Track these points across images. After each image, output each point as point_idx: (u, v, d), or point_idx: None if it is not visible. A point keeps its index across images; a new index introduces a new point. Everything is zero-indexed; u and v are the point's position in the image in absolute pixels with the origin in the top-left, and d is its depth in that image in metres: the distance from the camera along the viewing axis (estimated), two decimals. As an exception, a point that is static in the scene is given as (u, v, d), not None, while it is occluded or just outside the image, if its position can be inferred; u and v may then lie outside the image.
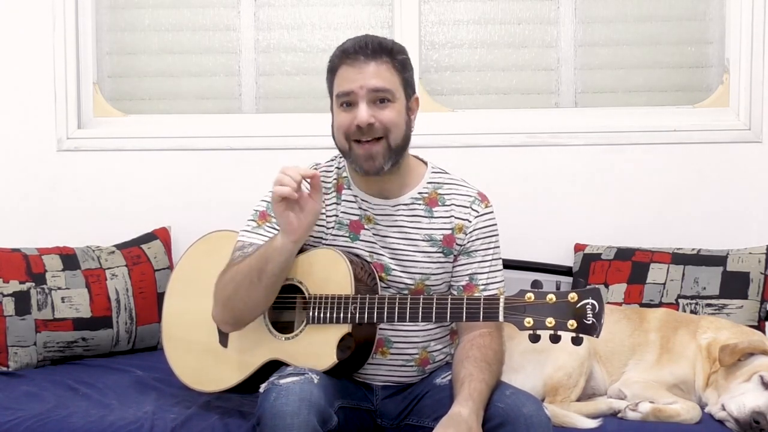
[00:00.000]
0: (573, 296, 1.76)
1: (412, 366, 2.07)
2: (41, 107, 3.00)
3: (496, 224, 2.09)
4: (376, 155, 1.97)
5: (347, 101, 1.97)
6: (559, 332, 1.77)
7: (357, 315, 1.92)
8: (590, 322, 1.75)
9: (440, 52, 3.08)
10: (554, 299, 1.77)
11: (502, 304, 1.82)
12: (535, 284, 1.81)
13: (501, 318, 1.83)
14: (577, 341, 1.77)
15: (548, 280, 2.82)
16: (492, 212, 2.09)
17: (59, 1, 2.97)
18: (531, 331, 1.79)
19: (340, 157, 2.11)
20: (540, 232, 2.93)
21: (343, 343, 1.94)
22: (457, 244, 2.06)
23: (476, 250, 2.05)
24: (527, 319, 1.78)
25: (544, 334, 1.79)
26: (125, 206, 3.00)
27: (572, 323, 1.76)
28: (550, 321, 1.77)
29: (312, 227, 1.95)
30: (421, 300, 1.90)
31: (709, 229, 2.90)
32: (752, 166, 2.93)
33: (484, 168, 2.85)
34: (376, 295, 1.95)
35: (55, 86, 2.99)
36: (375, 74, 1.95)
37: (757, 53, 2.92)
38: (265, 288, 1.93)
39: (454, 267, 2.07)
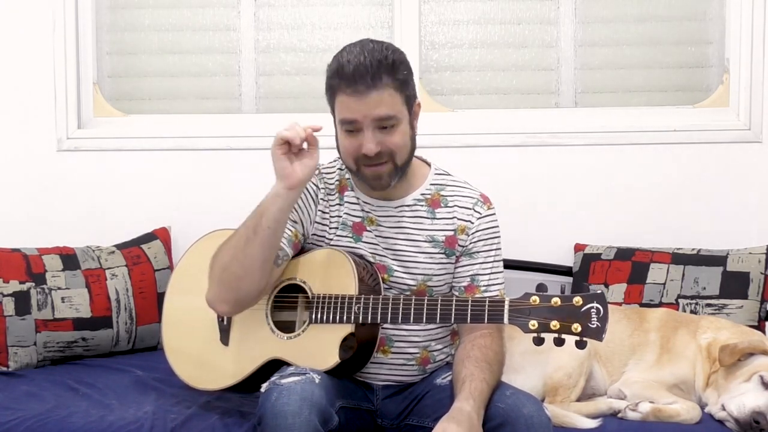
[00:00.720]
0: (578, 300, 1.76)
1: (413, 365, 2.07)
2: (41, 107, 2.99)
3: (498, 226, 2.10)
4: (383, 175, 1.97)
5: (351, 128, 1.95)
6: (564, 336, 1.77)
7: (360, 315, 1.92)
8: (595, 326, 1.75)
9: (440, 52, 3.08)
10: (559, 303, 1.78)
11: (507, 307, 1.82)
12: (540, 287, 1.82)
13: (506, 320, 1.83)
14: (581, 345, 1.77)
15: (548, 280, 2.82)
16: (494, 214, 2.10)
17: (59, 1, 2.97)
18: (535, 334, 1.79)
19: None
20: (540, 232, 2.93)
21: (345, 343, 1.94)
22: (459, 245, 2.06)
23: (478, 252, 2.06)
24: (532, 322, 1.78)
25: (548, 337, 1.79)
26: (125, 206, 3.00)
27: (576, 327, 1.76)
28: (554, 324, 1.77)
29: (307, 180, 1.94)
30: (426, 301, 1.90)
31: (709, 229, 2.90)
32: (752, 166, 2.93)
33: (484, 168, 2.85)
34: (380, 296, 1.95)
35: (55, 86, 2.99)
36: (378, 103, 1.90)
37: (757, 53, 2.92)
38: (260, 244, 1.90)
39: (455, 268, 2.07)
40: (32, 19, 2.98)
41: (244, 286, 1.95)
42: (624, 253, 2.78)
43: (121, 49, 3.13)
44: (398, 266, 2.05)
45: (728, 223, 2.91)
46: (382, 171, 1.96)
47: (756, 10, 2.91)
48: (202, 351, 2.13)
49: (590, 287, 1.80)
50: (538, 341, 1.79)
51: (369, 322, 1.93)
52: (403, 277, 2.05)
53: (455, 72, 3.08)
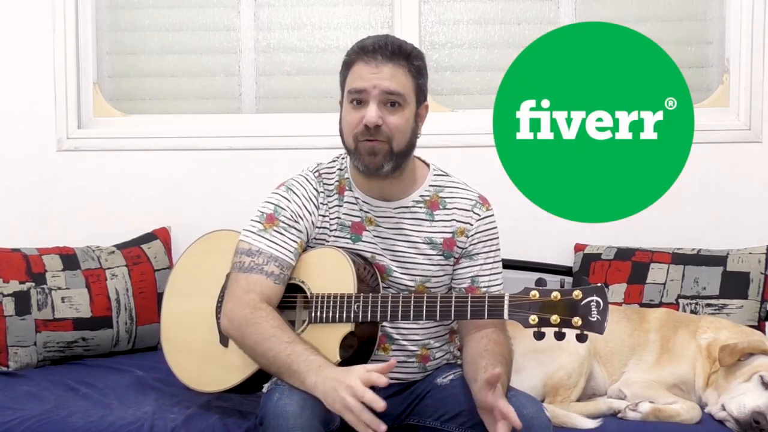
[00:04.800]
0: (578, 294, 1.77)
1: (413, 362, 2.07)
2: (41, 107, 2.99)
3: (496, 227, 2.10)
4: (379, 152, 1.96)
5: (358, 98, 1.96)
6: (564, 330, 1.77)
7: (360, 314, 1.92)
8: (595, 319, 1.75)
9: (440, 52, 3.08)
10: (559, 297, 1.78)
11: (507, 302, 1.82)
12: (539, 283, 1.82)
13: (506, 315, 1.83)
14: (581, 338, 1.78)
15: (549, 280, 2.81)
16: (493, 215, 2.10)
17: (59, 1, 2.97)
18: (536, 329, 1.79)
19: (342, 158, 2.12)
20: (540, 232, 2.93)
21: (345, 342, 1.94)
22: (458, 247, 2.06)
23: (478, 253, 2.06)
24: (532, 317, 1.78)
25: (549, 332, 1.79)
26: (125, 206, 3.00)
27: (577, 320, 1.76)
28: (555, 318, 1.77)
29: None
30: (425, 298, 1.90)
31: (709, 229, 2.90)
32: (752, 166, 2.94)
33: (484, 168, 2.84)
34: (379, 294, 1.95)
35: (55, 86, 2.99)
36: (390, 76, 1.94)
37: (757, 53, 2.92)
38: (278, 376, 1.91)
39: (455, 270, 2.07)
40: (32, 19, 2.98)
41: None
42: (624, 253, 2.78)
43: (121, 49, 3.13)
44: (397, 267, 2.05)
45: (728, 223, 2.91)
46: (378, 147, 1.95)
47: (756, 10, 2.91)
48: (202, 353, 2.13)
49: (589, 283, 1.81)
50: (539, 336, 1.79)
51: (369, 320, 1.93)
52: (401, 278, 2.05)
53: (455, 72, 3.08)
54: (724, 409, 2.19)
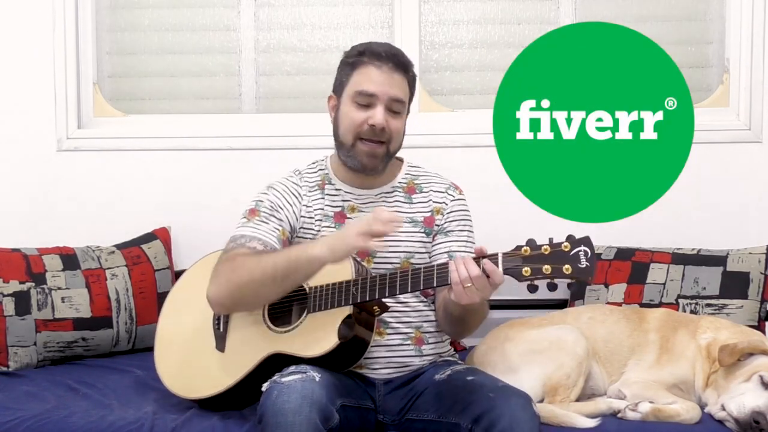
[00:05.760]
0: (566, 245, 1.84)
1: (408, 345, 2.13)
2: (41, 107, 3.00)
3: (469, 211, 2.23)
4: (378, 156, 2.11)
5: (366, 102, 2.09)
6: (556, 280, 1.83)
7: (359, 295, 1.96)
8: (584, 266, 1.82)
9: (440, 52, 3.08)
10: (549, 250, 1.84)
11: (500, 258, 1.86)
12: (530, 242, 1.87)
13: (500, 267, 1.86)
14: (571, 287, 1.82)
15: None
16: (465, 200, 2.24)
17: (59, 1, 2.97)
18: (529, 281, 1.84)
19: (322, 160, 2.25)
20: (540, 232, 2.91)
21: (347, 320, 1.96)
22: (435, 224, 2.19)
23: (452, 230, 2.19)
24: (525, 269, 1.84)
25: (542, 284, 1.84)
26: (125, 206, 3.00)
27: (568, 268, 1.82)
28: (546, 268, 1.83)
29: None
30: (422, 268, 1.93)
31: (709, 229, 2.90)
32: (752, 166, 2.93)
33: (484, 168, 2.85)
34: (378, 274, 1.97)
35: (55, 86, 2.99)
36: (399, 85, 2.11)
37: (757, 53, 2.92)
38: (283, 290, 2.00)
39: (432, 247, 2.18)
40: (32, 19, 2.98)
41: (248, 308, 2.08)
42: (624, 253, 2.78)
43: (121, 49, 3.13)
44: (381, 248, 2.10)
45: (728, 223, 2.91)
46: (378, 151, 2.11)
47: (756, 10, 2.91)
48: (197, 361, 2.15)
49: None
50: (533, 288, 1.85)
51: (368, 298, 1.95)
52: (386, 257, 2.13)
53: (455, 72, 3.09)
54: (723, 409, 2.18)
